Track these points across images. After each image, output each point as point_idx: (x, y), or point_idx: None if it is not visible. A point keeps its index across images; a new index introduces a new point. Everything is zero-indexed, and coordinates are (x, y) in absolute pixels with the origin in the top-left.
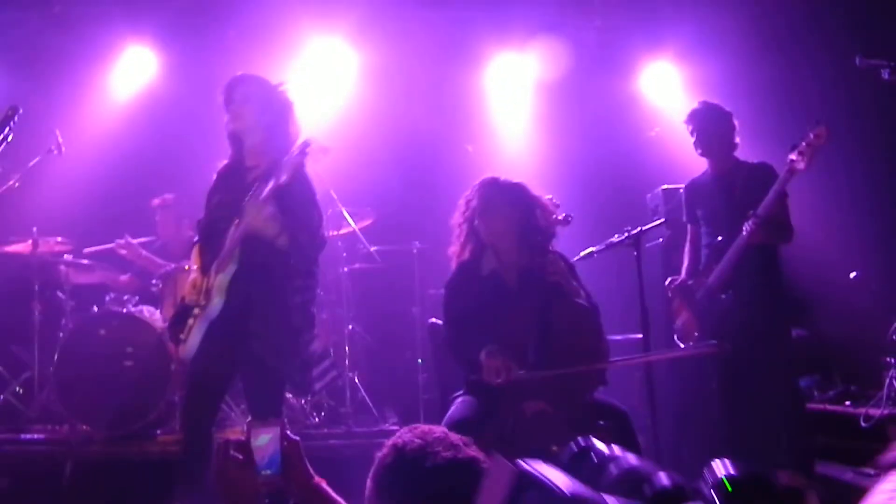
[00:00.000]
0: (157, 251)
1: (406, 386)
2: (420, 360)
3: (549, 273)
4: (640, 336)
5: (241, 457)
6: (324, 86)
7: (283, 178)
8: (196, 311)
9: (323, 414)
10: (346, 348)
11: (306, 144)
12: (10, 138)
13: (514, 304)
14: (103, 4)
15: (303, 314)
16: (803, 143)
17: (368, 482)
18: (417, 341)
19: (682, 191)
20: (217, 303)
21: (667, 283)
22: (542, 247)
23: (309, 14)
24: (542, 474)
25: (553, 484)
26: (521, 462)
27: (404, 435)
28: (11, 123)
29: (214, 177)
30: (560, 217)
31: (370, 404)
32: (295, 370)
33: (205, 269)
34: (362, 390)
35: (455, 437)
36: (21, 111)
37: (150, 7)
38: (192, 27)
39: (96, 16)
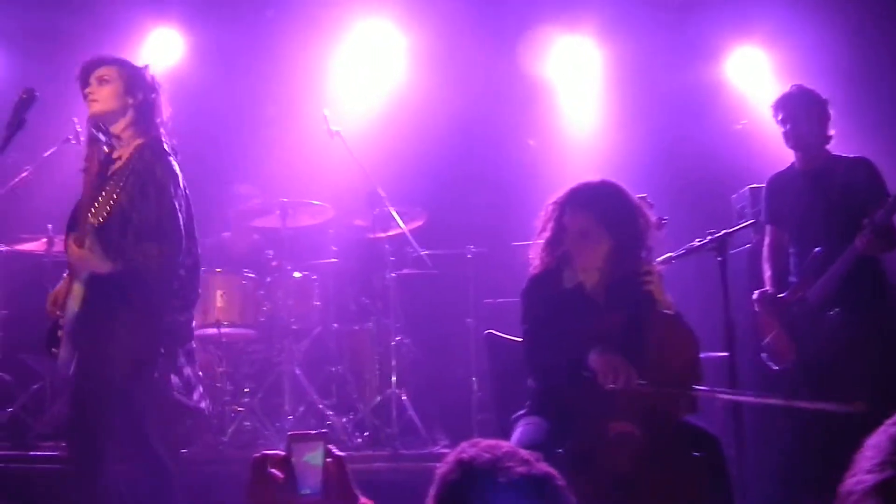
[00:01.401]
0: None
1: (458, 405)
2: (474, 378)
3: (642, 281)
4: (725, 354)
5: (280, 475)
6: (370, 73)
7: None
8: (61, 320)
9: (367, 434)
10: (393, 362)
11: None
12: (24, 125)
13: (601, 319)
14: None
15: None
16: None
17: (431, 501)
18: (471, 356)
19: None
20: (71, 309)
21: (755, 296)
22: (636, 256)
23: None
24: None
25: None
26: None
27: (468, 449)
28: (27, 108)
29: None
30: (654, 221)
31: (418, 424)
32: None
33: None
34: (410, 409)
35: (525, 453)
36: (37, 95)
37: None
38: (224, 6)
39: None
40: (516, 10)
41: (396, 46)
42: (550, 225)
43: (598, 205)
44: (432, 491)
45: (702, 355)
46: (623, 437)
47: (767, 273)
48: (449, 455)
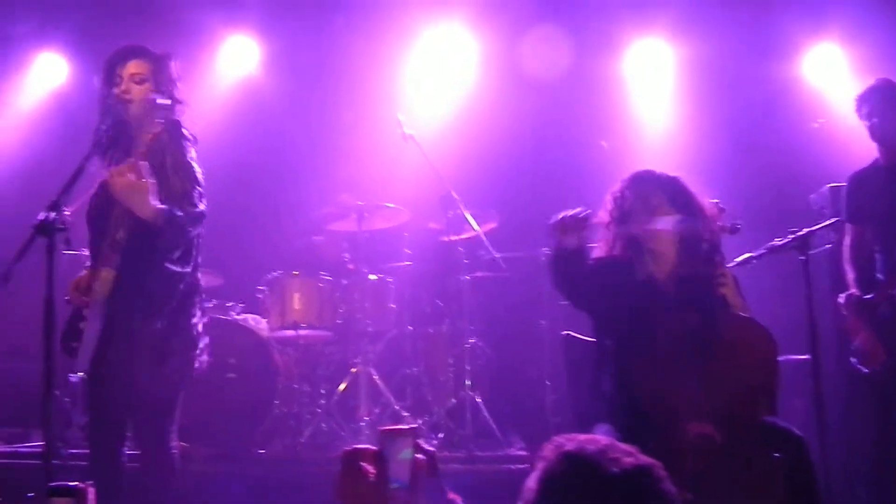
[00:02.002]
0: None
1: (532, 407)
2: (548, 381)
3: (715, 284)
4: (807, 357)
5: (372, 469)
6: (442, 76)
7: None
8: (86, 312)
9: (441, 436)
10: (467, 365)
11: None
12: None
13: (673, 314)
14: None
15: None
16: None
17: (533, 495)
18: (545, 358)
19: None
20: (100, 299)
21: (841, 299)
22: (708, 255)
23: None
24: None
25: None
26: None
27: (567, 443)
28: (119, 116)
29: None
30: (727, 225)
31: (493, 427)
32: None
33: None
34: (484, 411)
35: (625, 445)
36: (130, 102)
37: None
38: (296, 13)
39: (195, 3)
40: (589, 11)
41: (468, 49)
42: (612, 216)
43: (666, 186)
44: (534, 485)
45: (781, 358)
46: (702, 439)
47: (851, 275)
48: (545, 450)
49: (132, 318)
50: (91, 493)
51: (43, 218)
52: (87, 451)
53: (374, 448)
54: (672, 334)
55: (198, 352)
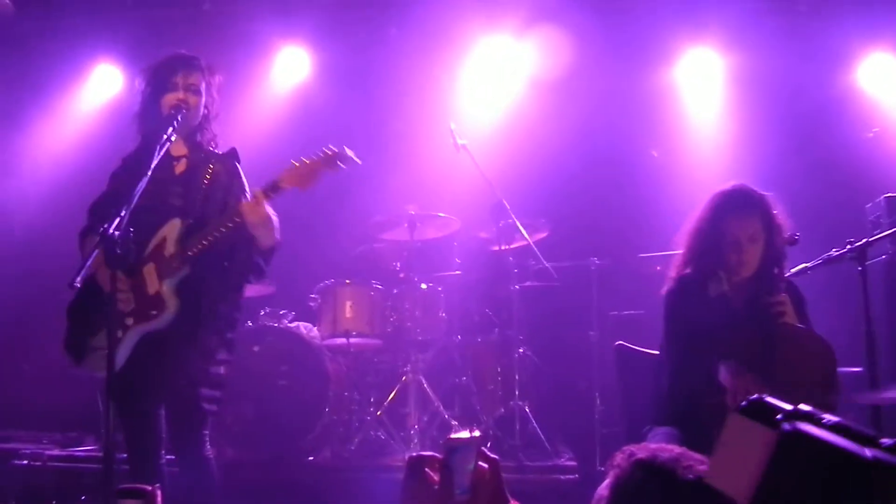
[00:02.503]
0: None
1: (581, 418)
2: (597, 392)
3: (773, 307)
4: (860, 370)
5: (437, 478)
6: (494, 87)
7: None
8: (129, 320)
9: (490, 445)
10: (516, 374)
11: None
12: (173, 138)
13: (740, 332)
14: (256, 3)
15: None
16: None
17: (605, 503)
18: (594, 369)
19: None
20: (171, 312)
21: None
22: (779, 274)
23: (476, 10)
24: (822, 435)
25: (845, 446)
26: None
27: (638, 452)
28: (175, 123)
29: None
30: (785, 236)
31: (541, 437)
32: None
33: (130, 270)
34: (533, 421)
35: (696, 454)
36: (185, 110)
37: (304, 5)
38: (349, 25)
39: (249, 16)
40: (640, 22)
41: (520, 60)
42: (704, 231)
43: (763, 209)
44: (606, 493)
45: (841, 369)
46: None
47: None
48: (616, 459)
49: (193, 331)
50: (159, 495)
51: (110, 229)
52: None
53: (439, 456)
54: (737, 349)
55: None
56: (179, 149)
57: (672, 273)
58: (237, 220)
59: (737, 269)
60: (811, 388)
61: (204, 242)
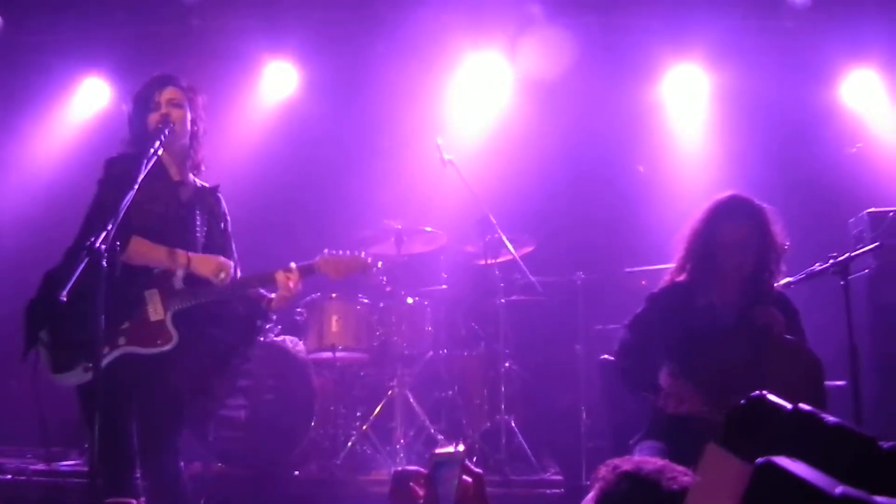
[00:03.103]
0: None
1: (567, 432)
2: (583, 406)
3: (761, 318)
4: (843, 383)
5: (421, 492)
6: (480, 103)
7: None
8: (120, 339)
9: (475, 459)
10: (502, 388)
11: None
12: (160, 152)
13: (728, 342)
14: (243, 18)
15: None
16: None
17: None
18: (580, 382)
19: (890, 215)
20: (171, 345)
21: None
22: (769, 286)
23: (463, 26)
24: (794, 469)
25: (815, 481)
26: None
27: (623, 464)
28: (162, 137)
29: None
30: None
31: (527, 451)
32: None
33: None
34: (519, 435)
35: (679, 466)
36: (172, 125)
37: (292, 20)
38: (337, 41)
39: (236, 31)
40: (626, 39)
41: (506, 77)
42: (698, 239)
43: (758, 218)
44: None
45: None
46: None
47: None
48: (601, 471)
49: (188, 364)
50: None
51: (96, 242)
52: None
53: (423, 470)
54: (722, 360)
55: None
56: (177, 173)
57: (667, 277)
58: (270, 285)
59: (729, 273)
60: (798, 400)
61: (209, 297)
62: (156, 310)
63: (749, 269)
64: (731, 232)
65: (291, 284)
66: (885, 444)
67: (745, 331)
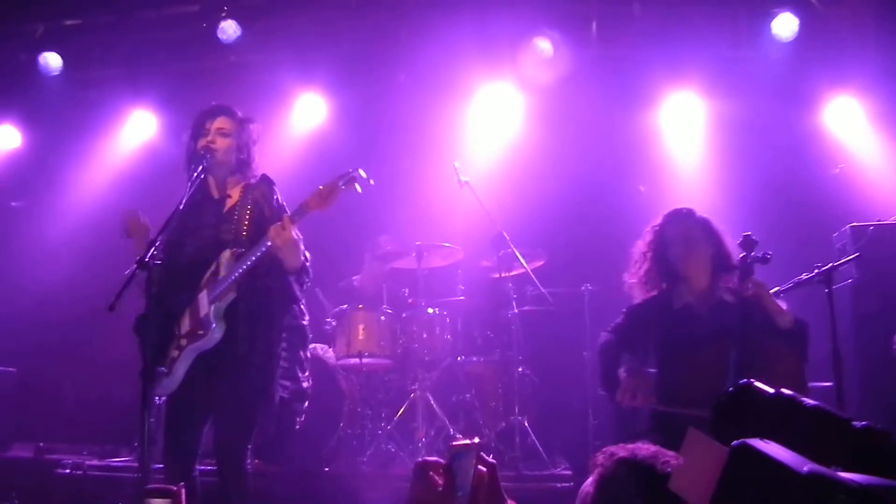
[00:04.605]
0: (344, 291)
1: (576, 432)
2: (590, 409)
3: (748, 289)
4: (830, 384)
5: (440, 481)
6: (494, 128)
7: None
8: (183, 341)
9: (492, 457)
10: (516, 392)
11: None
12: (203, 176)
13: (709, 335)
14: (276, 54)
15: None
16: None
17: (590, 498)
18: (588, 386)
19: (871, 229)
20: (217, 332)
21: None
22: (740, 272)
23: (477, 60)
24: (766, 450)
25: (782, 460)
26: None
27: (618, 451)
28: (205, 162)
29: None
30: (758, 255)
31: (539, 449)
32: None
33: (186, 298)
34: (531, 435)
35: (670, 452)
36: (215, 152)
37: (321, 55)
38: (362, 73)
39: (270, 66)
40: (626, 68)
41: (516, 105)
42: (652, 247)
43: (693, 217)
44: (591, 489)
45: (810, 384)
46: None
47: None
48: (598, 459)
49: (248, 350)
50: (183, 494)
51: (145, 256)
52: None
53: (442, 461)
54: (708, 352)
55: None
56: (224, 189)
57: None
58: (267, 243)
59: (684, 267)
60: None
61: (243, 268)
62: (203, 306)
63: (706, 263)
64: (675, 228)
65: (286, 233)
66: (857, 424)
67: (726, 317)
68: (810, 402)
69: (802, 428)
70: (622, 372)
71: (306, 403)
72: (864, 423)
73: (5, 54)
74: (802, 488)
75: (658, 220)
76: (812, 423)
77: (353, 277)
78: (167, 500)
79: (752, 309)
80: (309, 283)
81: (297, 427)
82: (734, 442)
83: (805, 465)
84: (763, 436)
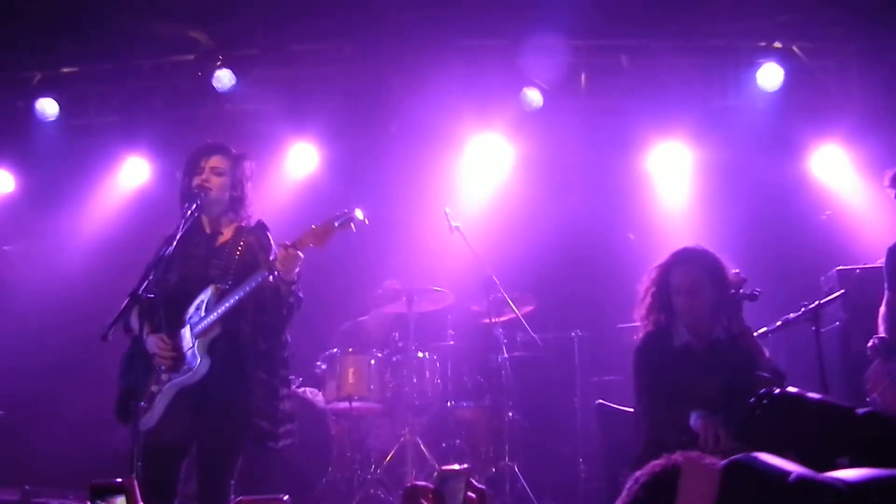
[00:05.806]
0: (349, 332)
1: (566, 476)
2: (581, 457)
3: (741, 338)
4: None
5: None
6: (484, 176)
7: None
8: (164, 377)
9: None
10: (506, 437)
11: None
12: (196, 214)
13: (707, 377)
14: (270, 104)
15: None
16: None
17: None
18: (578, 431)
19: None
20: (202, 367)
21: (870, 343)
22: (735, 318)
23: (468, 111)
24: (755, 463)
25: (770, 470)
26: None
27: (641, 476)
28: (199, 200)
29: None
30: (748, 293)
31: (530, 495)
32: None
33: (168, 333)
34: (522, 480)
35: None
36: (209, 191)
37: (314, 106)
38: (355, 124)
39: (264, 115)
40: (614, 118)
41: (506, 154)
42: (656, 286)
43: (704, 262)
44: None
45: None
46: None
47: (881, 328)
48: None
49: (228, 385)
50: (135, 486)
51: (138, 288)
52: None
53: (432, 486)
54: (705, 394)
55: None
56: (217, 226)
57: (639, 333)
58: (276, 266)
59: (686, 314)
60: None
61: (227, 305)
62: (187, 341)
63: (709, 307)
64: (682, 276)
65: (291, 251)
66: (860, 410)
67: (722, 360)
68: (814, 395)
69: (809, 418)
70: (695, 418)
71: (292, 426)
72: (865, 409)
73: (2, 100)
74: (791, 496)
75: (665, 259)
76: (817, 413)
77: (360, 318)
78: (120, 497)
79: (738, 345)
80: (299, 307)
81: (285, 455)
82: (721, 462)
83: (792, 473)
84: (777, 431)
